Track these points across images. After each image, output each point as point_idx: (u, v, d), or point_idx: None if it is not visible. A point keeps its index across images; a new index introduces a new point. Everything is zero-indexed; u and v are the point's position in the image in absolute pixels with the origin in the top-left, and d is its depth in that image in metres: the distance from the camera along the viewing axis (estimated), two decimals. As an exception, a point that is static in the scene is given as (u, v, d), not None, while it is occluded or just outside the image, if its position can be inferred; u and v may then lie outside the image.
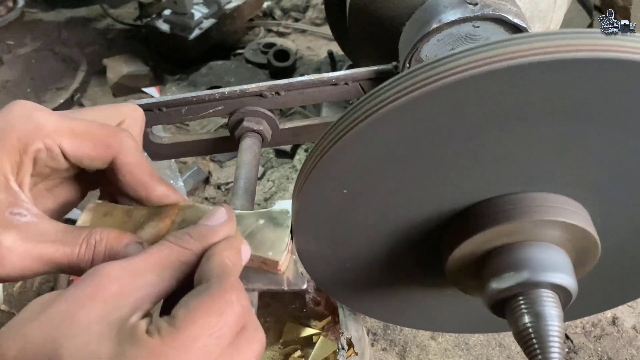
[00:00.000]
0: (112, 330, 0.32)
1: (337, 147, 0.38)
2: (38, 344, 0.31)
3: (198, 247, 0.38)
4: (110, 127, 0.43)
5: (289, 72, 1.43)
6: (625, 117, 0.35)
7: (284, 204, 0.48)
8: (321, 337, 0.72)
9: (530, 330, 0.39)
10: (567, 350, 0.84)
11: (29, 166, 0.40)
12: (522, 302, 0.40)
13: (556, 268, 0.40)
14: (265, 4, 1.69)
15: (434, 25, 0.62)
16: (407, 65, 0.66)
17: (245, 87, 0.64)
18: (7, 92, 1.47)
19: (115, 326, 0.32)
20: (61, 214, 0.45)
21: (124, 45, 1.60)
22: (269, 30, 1.64)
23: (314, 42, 1.58)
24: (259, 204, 1.10)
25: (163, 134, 0.72)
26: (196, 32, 1.44)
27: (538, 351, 0.38)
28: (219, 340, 0.32)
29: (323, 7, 1.12)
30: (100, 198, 0.47)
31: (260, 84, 0.64)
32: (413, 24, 0.67)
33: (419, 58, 0.65)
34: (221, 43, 1.53)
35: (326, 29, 1.50)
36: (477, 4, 0.61)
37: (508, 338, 0.86)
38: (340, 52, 1.18)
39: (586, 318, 0.87)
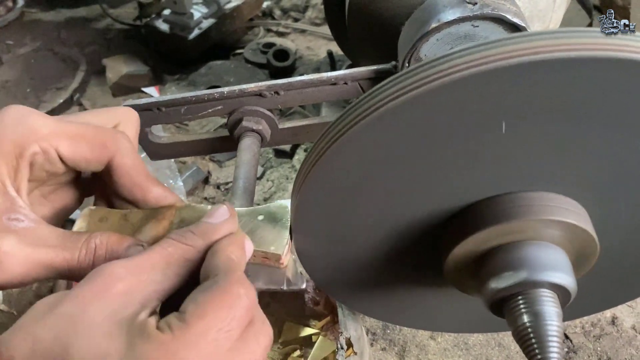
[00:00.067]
0: (121, 327, 0.32)
1: (335, 147, 0.38)
2: (47, 344, 0.31)
3: (201, 244, 0.38)
4: (106, 129, 0.43)
5: (288, 72, 1.43)
6: (625, 116, 0.35)
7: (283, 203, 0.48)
8: (320, 336, 0.72)
9: (529, 329, 0.39)
10: (566, 349, 0.84)
11: (25, 171, 0.39)
12: (520, 301, 0.40)
13: (555, 267, 0.40)
14: (264, 4, 1.69)
15: (433, 25, 0.62)
16: (407, 64, 0.66)
17: (244, 86, 0.64)
18: (6, 92, 1.47)
19: (124, 324, 0.32)
20: (58, 221, 0.45)
21: (123, 45, 1.60)
22: (269, 30, 1.64)
23: (313, 42, 1.58)
24: (258, 204, 1.10)
25: (162, 133, 0.72)
26: (196, 32, 1.44)
27: (537, 351, 0.38)
28: (229, 334, 0.33)
29: (322, 7, 1.12)
30: (94, 204, 0.47)
31: (260, 83, 0.64)
32: (412, 24, 0.67)
33: (418, 57, 0.65)
34: (221, 43, 1.53)
35: (326, 29, 1.50)
36: (476, 3, 0.61)
37: (507, 338, 0.86)
38: (340, 52, 1.18)
39: (585, 318, 0.87)
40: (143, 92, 1.43)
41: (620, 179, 0.40)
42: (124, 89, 1.44)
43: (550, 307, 0.39)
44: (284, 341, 0.74)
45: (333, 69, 1.38)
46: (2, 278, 0.37)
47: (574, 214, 0.41)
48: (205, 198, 1.14)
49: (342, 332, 0.65)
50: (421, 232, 0.45)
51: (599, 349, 0.84)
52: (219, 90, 0.64)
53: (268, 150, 1.22)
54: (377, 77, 0.65)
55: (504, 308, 0.41)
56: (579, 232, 0.41)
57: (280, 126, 0.69)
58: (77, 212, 0.46)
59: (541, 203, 0.41)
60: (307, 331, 0.74)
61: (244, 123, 0.65)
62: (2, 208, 0.38)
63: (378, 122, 0.36)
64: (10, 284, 0.38)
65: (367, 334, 0.84)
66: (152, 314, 0.34)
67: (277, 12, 1.69)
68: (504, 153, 0.38)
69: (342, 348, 0.64)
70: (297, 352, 0.73)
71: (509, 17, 0.60)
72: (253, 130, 0.66)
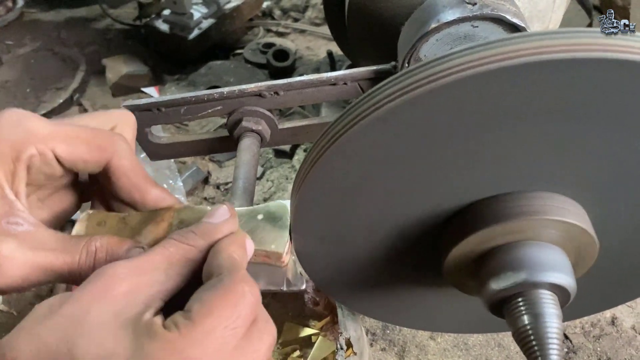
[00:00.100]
0: (126, 327, 0.32)
1: (335, 147, 0.38)
2: (52, 345, 0.31)
3: (203, 244, 0.38)
4: (103, 130, 0.43)
5: (288, 72, 1.43)
6: (624, 117, 0.35)
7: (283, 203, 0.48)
8: (320, 337, 0.72)
9: (529, 330, 0.39)
10: (566, 350, 0.84)
11: (23, 174, 0.39)
12: (520, 302, 0.40)
13: (555, 267, 0.40)
14: (264, 4, 1.69)
15: (433, 25, 0.62)
16: (406, 64, 0.66)
17: (244, 87, 0.64)
18: (6, 92, 1.47)
19: (129, 323, 0.32)
20: (57, 225, 0.45)
21: (123, 45, 1.60)
22: (268, 30, 1.64)
23: (313, 42, 1.58)
24: (258, 204, 1.10)
25: (162, 134, 0.72)
26: (195, 32, 1.44)
27: (537, 351, 0.38)
28: (235, 331, 0.33)
29: (322, 7, 1.12)
30: (92, 208, 0.47)
31: (259, 83, 0.64)
32: (412, 24, 0.67)
33: (417, 58, 0.65)
34: (220, 43, 1.53)
35: (325, 29, 1.50)
36: (475, 3, 0.61)
37: (507, 338, 0.86)
38: (340, 52, 1.18)
39: (585, 318, 0.87)
40: (143, 92, 1.43)
41: (620, 180, 0.40)
42: (123, 89, 1.44)
43: (550, 308, 0.39)
44: (284, 341, 0.74)
45: (333, 69, 1.38)
46: (2, 282, 0.37)
47: (573, 213, 0.41)
48: (205, 198, 1.14)
49: (341, 333, 0.65)
50: (421, 232, 0.45)
51: (598, 349, 0.84)
52: (218, 90, 0.64)
53: (268, 151, 1.22)
54: (377, 78, 0.64)
55: (504, 309, 0.41)
56: (578, 232, 0.41)
57: (280, 126, 0.69)
58: (78, 213, 0.47)
59: (540, 203, 0.41)
60: (306, 331, 0.74)
61: (244, 123, 0.65)
62: (0, 212, 0.38)
63: (378, 122, 0.36)
64: (10, 288, 0.37)
65: (366, 334, 0.84)
66: (156, 313, 0.34)
67: (277, 12, 1.70)
68: (504, 153, 0.38)
69: (341, 348, 0.64)
70: (297, 353, 0.73)
71: (509, 17, 0.60)
72: (253, 131, 0.66)
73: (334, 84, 0.65)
